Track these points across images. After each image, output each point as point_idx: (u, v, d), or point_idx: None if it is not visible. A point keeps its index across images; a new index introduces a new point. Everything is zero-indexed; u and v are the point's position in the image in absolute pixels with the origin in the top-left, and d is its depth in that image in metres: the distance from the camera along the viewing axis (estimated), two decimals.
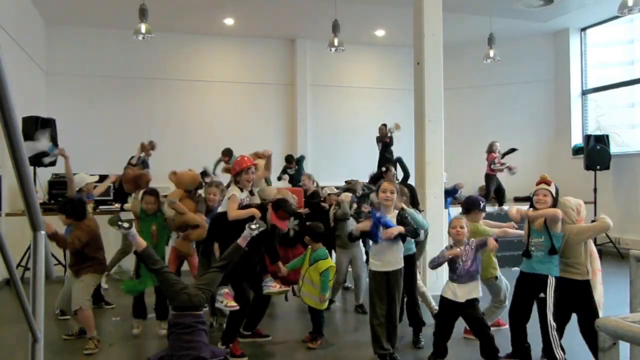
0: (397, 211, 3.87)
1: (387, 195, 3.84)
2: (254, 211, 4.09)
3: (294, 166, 9.19)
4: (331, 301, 5.50)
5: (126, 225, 3.52)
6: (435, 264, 3.93)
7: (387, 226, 3.76)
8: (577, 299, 3.61)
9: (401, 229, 3.76)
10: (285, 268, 4.49)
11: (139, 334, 4.59)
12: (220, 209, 4.39)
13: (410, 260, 4.26)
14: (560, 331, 3.70)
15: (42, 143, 5.36)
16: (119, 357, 4.18)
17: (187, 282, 3.70)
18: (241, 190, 4.30)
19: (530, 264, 3.70)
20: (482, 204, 4.44)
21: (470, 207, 4.42)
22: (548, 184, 3.70)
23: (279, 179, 9.01)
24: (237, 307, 3.91)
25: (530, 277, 3.69)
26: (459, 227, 3.82)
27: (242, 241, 3.71)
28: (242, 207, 4.20)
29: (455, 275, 3.79)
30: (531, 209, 3.74)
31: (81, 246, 4.22)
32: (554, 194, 3.66)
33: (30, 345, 1.73)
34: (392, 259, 3.84)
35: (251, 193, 4.50)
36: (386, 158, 9.23)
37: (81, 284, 4.27)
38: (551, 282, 3.61)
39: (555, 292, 3.65)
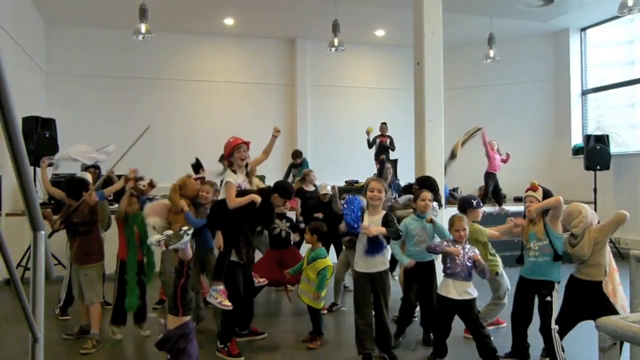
0: (384, 212, 3.86)
1: (374, 194, 3.81)
2: (254, 197, 3.96)
3: (299, 163, 9.12)
4: (334, 304, 5.51)
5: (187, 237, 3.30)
6: (430, 250, 3.94)
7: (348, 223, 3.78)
8: (589, 300, 3.57)
9: (382, 229, 3.72)
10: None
11: (122, 337, 4.56)
12: (220, 197, 4.34)
13: (429, 266, 4.27)
14: (565, 332, 3.69)
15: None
16: (117, 357, 4.18)
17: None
18: (235, 173, 4.05)
19: (532, 268, 3.67)
20: (474, 202, 4.48)
21: (465, 207, 4.45)
22: (534, 190, 3.70)
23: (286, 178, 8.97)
24: (231, 307, 3.89)
25: (533, 282, 3.67)
26: (462, 230, 3.82)
27: (181, 255, 3.27)
28: (240, 191, 4.01)
29: (449, 271, 3.80)
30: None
31: (84, 223, 4.22)
32: (541, 199, 3.65)
33: (30, 345, 1.73)
34: (376, 261, 3.81)
35: (247, 175, 4.25)
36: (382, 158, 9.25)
37: (88, 279, 4.29)
38: (556, 288, 3.61)
39: (567, 292, 3.65)
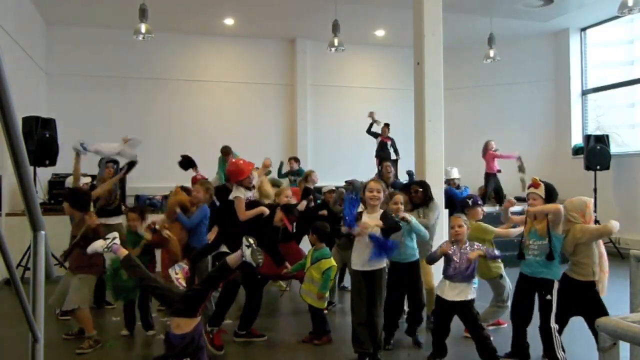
0: (381, 210, 3.87)
1: (373, 195, 3.84)
2: (264, 209, 4.27)
3: (295, 169, 9.14)
4: (330, 303, 5.50)
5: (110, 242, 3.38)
6: (429, 259, 3.99)
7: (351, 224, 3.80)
8: (581, 300, 3.59)
9: (378, 222, 3.73)
10: (290, 267, 4.59)
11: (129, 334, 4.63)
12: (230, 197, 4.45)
13: (414, 266, 4.29)
14: (559, 332, 3.70)
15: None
16: (115, 357, 4.18)
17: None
18: (246, 188, 4.40)
19: (532, 266, 3.68)
20: (470, 200, 4.56)
21: (463, 207, 4.53)
22: (536, 187, 3.70)
23: (285, 175, 8.99)
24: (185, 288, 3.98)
25: (533, 280, 3.68)
26: (457, 226, 3.84)
27: (233, 260, 3.25)
28: (249, 202, 4.32)
29: (448, 273, 3.80)
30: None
31: (86, 240, 4.17)
32: (544, 196, 3.66)
33: (30, 345, 1.73)
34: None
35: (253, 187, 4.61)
36: (381, 157, 9.26)
37: (79, 282, 4.24)
38: (556, 286, 3.62)
39: (560, 289, 3.65)
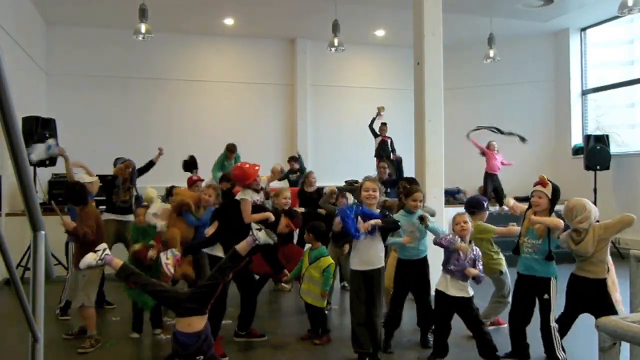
0: (378, 210, 3.87)
1: (369, 194, 3.84)
2: (269, 215, 4.24)
3: (297, 169, 9.11)
4: (327, 303, 5.49)
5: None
6: (438, 243, 3.83)
7: (365, 215, 3.73)
8: (591, 297, 3.58)
9: (377, 221, 3.74)
10: (289, 275, 4.59)
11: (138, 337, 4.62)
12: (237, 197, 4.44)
13: (423, 262, 4.28)
14: (566, 330, 3.69)
15: (39, 149, 5.39)
16: (115, 357, 4.18)
17: None
18: (254, 191, 4.35)
19: (528, 265, 3.68)
20: (485, 204, 4.50)
21: (475, 209, 4.44)
22: (544, 185, 3.68)
23: (285, 177, 8.97)
24: (171, 275, 3.97)
25: (530, 279, 3.68)
26: (462, 222, 3.82)
27: (243, 247, 3.19)
28: (255, 206, 4.29)
29: (449, 267, 3.77)
30: (530, 209, 3.75)
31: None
32: (550, 196, 3.65)
33: (30, 345, 1.73)
34: (371, 258, 3.82)
35: (262, 189, 4.54)
36: (382, 156, 9.26)
37: (84, 280, 4.25)
38: (554, 284, 3.61)
39: (569, 291, 3.65)
